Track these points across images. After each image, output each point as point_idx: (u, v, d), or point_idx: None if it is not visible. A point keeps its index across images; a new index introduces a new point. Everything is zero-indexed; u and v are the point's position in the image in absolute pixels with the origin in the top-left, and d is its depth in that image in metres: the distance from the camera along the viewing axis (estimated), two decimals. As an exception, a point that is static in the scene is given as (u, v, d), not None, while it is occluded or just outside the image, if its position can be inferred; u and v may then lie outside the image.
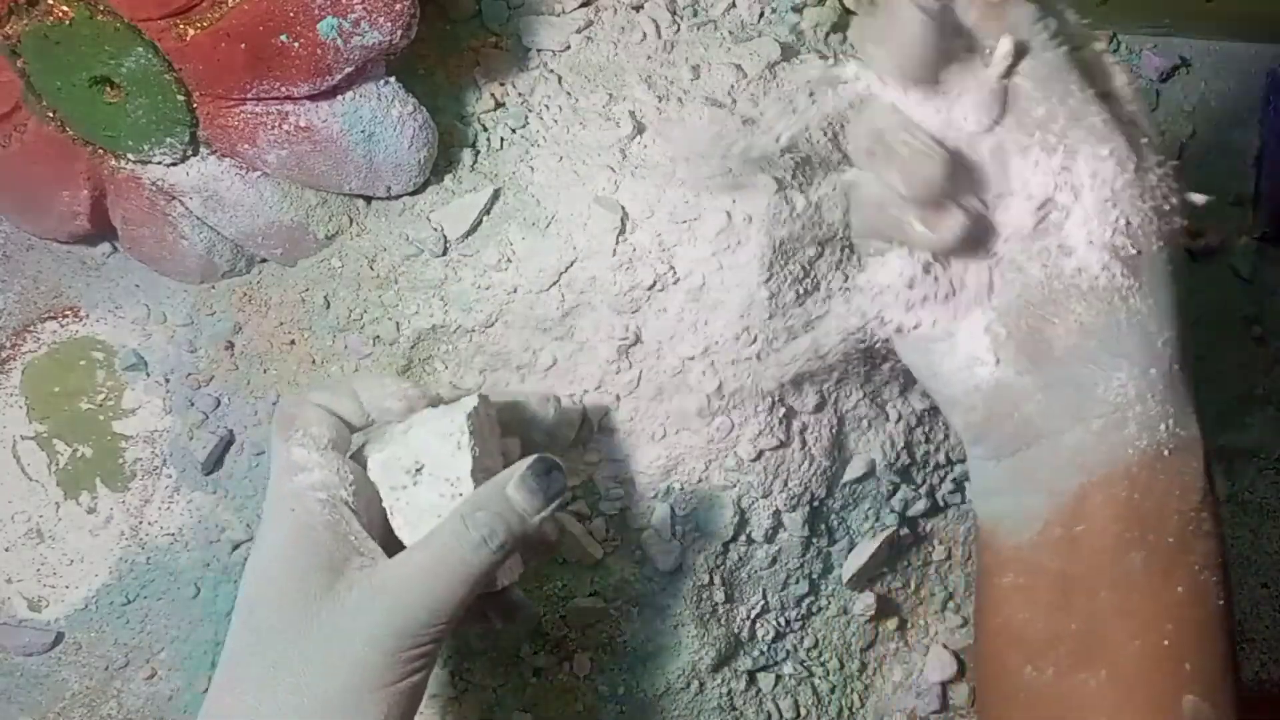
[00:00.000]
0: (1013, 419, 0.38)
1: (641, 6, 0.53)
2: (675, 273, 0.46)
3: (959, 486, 0.53)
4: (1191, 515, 0.36)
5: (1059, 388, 0.37)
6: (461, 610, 0.36)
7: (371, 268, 0.50)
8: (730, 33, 0.52)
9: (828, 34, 0.53)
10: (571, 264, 0.47)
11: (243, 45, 0.42)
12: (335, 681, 0.34)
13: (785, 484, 0.49)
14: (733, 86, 0.50)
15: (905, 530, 0.52)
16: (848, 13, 0.55)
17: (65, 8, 0.43)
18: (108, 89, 0.45)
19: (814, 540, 0.50)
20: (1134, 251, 0.36)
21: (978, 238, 0.38)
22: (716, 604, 0.51)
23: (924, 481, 0.52)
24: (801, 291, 0.46)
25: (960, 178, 0.37)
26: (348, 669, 0.34)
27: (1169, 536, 0.36)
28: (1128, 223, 0.36)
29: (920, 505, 0.52)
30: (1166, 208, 0.37)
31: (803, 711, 0.53)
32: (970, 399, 0.39)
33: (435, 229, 0.49)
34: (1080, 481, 0.36)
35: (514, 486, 0.37)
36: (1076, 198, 0.36)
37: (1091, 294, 0.36)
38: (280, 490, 0.38)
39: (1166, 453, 0.36)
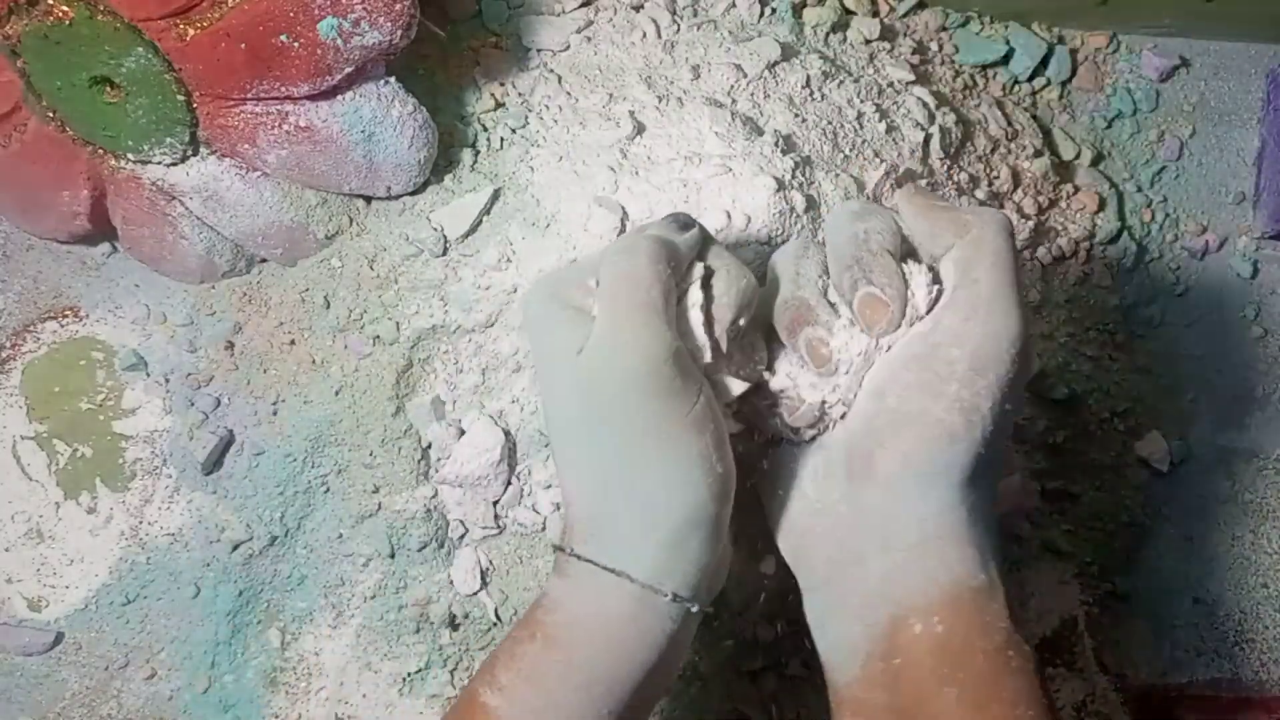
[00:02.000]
0: (826, 543, 0.40)
1: (641, 6, 0.53)
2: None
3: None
4: (996, 655, 0.37)
5: (870, 514, 0.38)
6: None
7: (371, 268, 0.50)
8: (730, 33, 0.52)
9: (828, 34, 0.53)
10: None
11: (243, 45, 0.43)
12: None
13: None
14: (733, 86, 0.50)
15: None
16: (848, 13, 0.55)
17: (65, 8, 0.43)
18: (108, 89, 0.45)
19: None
20: (975, 408, 0.37)
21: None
22: (717, 604, 0.51)
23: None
24: None
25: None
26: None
27: (978, 673, 0.36)
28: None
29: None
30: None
31: (803, 712, 0.53)
32: (789, 523, 0.41)
33: (435, 229, 0.49)
34: (889, 612, 0.38)
35: (655, 228, 0.40)
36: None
37: (924, 429, 0.37)
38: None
39: (966, 593, 0.37)
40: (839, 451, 0.40)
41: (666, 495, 0.37)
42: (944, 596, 0.37)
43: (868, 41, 0.55)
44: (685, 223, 0.40)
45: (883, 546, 0.38)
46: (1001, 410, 0.38)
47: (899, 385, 0.38)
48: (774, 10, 0.53)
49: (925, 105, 0.53)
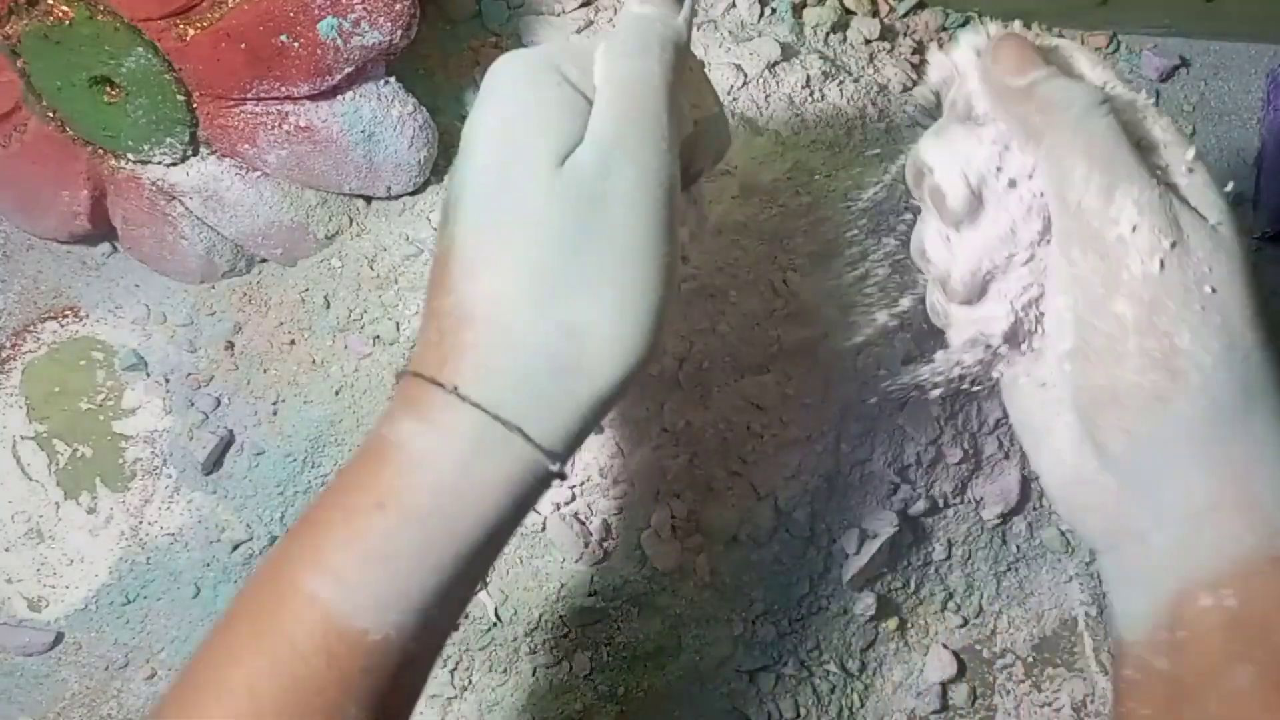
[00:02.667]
0: (1099, 516, 0.35)
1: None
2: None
3: (959, 486, 0.53)
4: None
5: (1132, 491, 0.34)
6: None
7: (371, 268, 0.50)
8: (730, 33, 0.52)
9: (828, 34, 0.53)
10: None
11: (243, 45, 0.43)
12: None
13: (786, 483, 0.49)
14: (733, 86, 0.50)
15: (905, 530, 0.52)
16: (848, 13, 0.55)
17: (65, 8, 0.43)
18: (108, 89, 0.45)
19: (814, 540, 0.50)
20: (1171, 353, 0.32)
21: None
22: (717, 604, 0.50)
23: (924, 481, 0.52)
24: None
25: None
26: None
27: (1277, 650, 0.32)
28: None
29: (920, 505, 0.52)
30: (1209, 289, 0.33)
31: (802, 712, 0.53)
32: (1059, 493, 0.36)
33: (435, 229, 0.49)
34: (1176, 586, 0.33)
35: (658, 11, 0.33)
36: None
37: (1127, 400, 0.32)
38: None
39: (1262, 564, 0.32)
40: (1076, 420, 0.35)
41: (611, 354, 0.30)
42: (1234, 569, 0.32)
43: (868, 41, 0.55)
44: None
45: (1156, 523, 0.33)
46: (1211, 333, 0.31)
47: (1079, 356, 0.33)
48: (774, 10, 0.53)
49: (925, 105, 0.53)
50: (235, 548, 0.51)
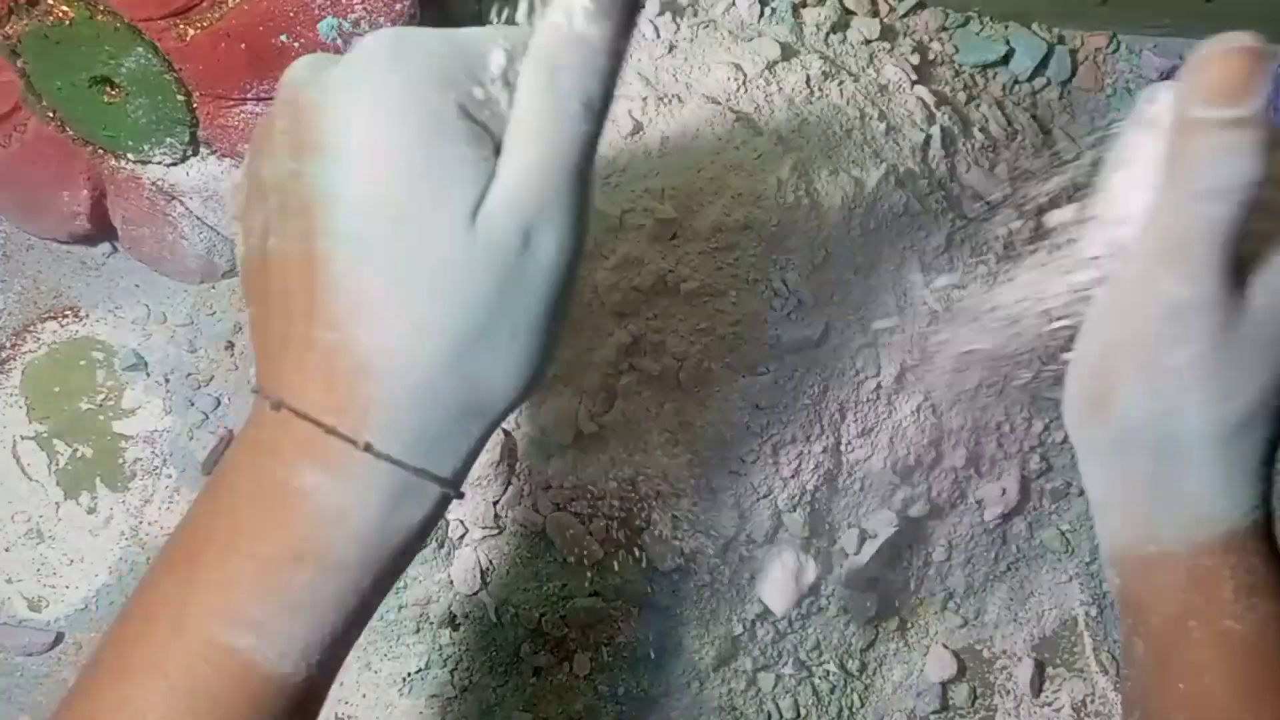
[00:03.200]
0: None
1: (642, 6, 0.52)
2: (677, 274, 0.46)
3: (959, 487, 0.53)
4: (1171, 622, 0.36)
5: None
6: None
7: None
8: (730, 32, 0.52)
9: (828, 34, 0.53)
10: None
11: (243, 45, 0.43)
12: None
13: (785, 483, 0.49)
14: (732, 86, 0.50)
15: (905, 530, 0.52)
16: (848, 13, 0.55)
17: (65, 8, 0.43)
18: (108, 89, 0.45)
19: (814, 540, 0.50)
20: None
21: None
22: (716, 604, 0.50)
23: (924, 481, 0.52)
24: None
25: None
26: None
27: (1155, 634, 0.36)
28: None
29: (920, 505, 0.52)
30: None
31: (803, 711, 0.53)
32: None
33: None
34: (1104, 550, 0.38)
35: (581, 19, 0.29)
36: None
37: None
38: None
39: (1134, 557, 0.37)
40: None
41: (509, 393, 0.30)
42: (1115, 556, 0.37)
43: (868, 41, 0.55)
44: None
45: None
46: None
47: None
48: (774, 10, 0.53)
49: (925, 105, 0.53)
50: (235, 548, 0.51)
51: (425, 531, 0.31)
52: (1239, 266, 0.34)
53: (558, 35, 0.29)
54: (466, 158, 0.28)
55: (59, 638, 0.52)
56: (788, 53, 0.51)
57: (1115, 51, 0.59)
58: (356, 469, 0.29)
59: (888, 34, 0.55)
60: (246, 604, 0.29)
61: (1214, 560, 0.36)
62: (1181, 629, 0.36)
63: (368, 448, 0.29)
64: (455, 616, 0.51)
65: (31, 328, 0.53)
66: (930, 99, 0.54)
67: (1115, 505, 0.38)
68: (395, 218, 0.28)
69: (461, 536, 0.51)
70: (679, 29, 0.52)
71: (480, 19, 0.52)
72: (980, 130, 0.55)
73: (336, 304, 0.28)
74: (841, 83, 0.52)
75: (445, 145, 0.28)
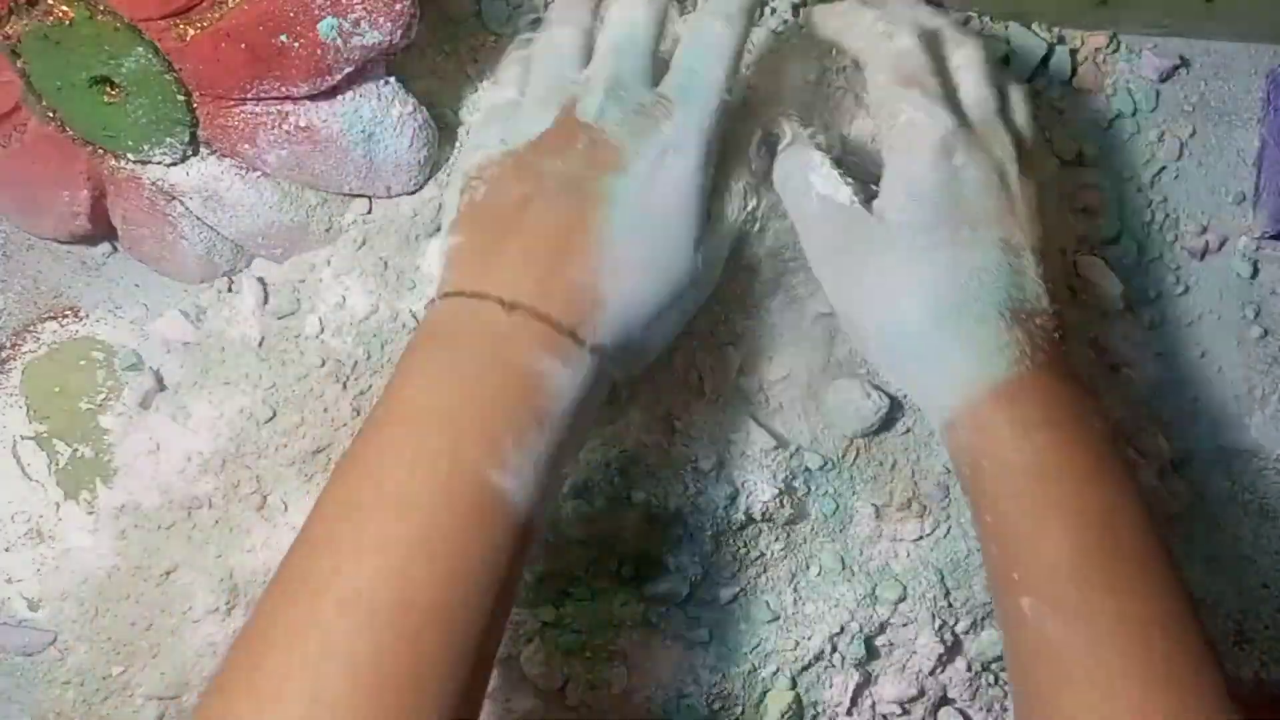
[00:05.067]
0: None
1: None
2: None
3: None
4: None
5: None
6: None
7: (371, 268, 0.50)
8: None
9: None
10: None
11: (243, 45, 0.42)
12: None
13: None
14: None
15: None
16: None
17: (65, 8, 0.43)
18: (108, 89, 0.45)
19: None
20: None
21: None
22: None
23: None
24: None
25: None
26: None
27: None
28: None
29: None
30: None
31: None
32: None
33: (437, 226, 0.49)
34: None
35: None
36: None
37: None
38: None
39: (938, 424, 0.45)
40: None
41: (679, 299, 0.43)
42: (938, 427, 0.46)
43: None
44: None
45: None
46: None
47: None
48: (774, 11, 0.53)
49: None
50: (235, 548, 0.51)
51: (602, 413, 0.46)
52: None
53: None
54: (708, 231, 0.45)
55: (58, 638, 0.52)
56: (785, 48, 0.51)
57: (1115, 51, 0.59)
58: (580, 360, 0.40)
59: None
60: (510, 455, 0.38)
61: (990, 410, 0.43)
62: (978, 470, 0.43)
63: (594, 349, 0.41)
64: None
65: (31, 328, 0.53)
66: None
67: (911, 393, 0.48)
68: (658, 226, 0.43)
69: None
70: (678, 26, 0.52)
71: (480, 19, 0.52)
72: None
73: (596, 255, 0.41)
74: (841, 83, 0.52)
75: (700, 178, 0.43)
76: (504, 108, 0.46)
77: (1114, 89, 0.59)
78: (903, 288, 0.44)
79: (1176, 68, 0.59)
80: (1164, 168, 0.59)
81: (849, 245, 0.45)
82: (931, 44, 0.46)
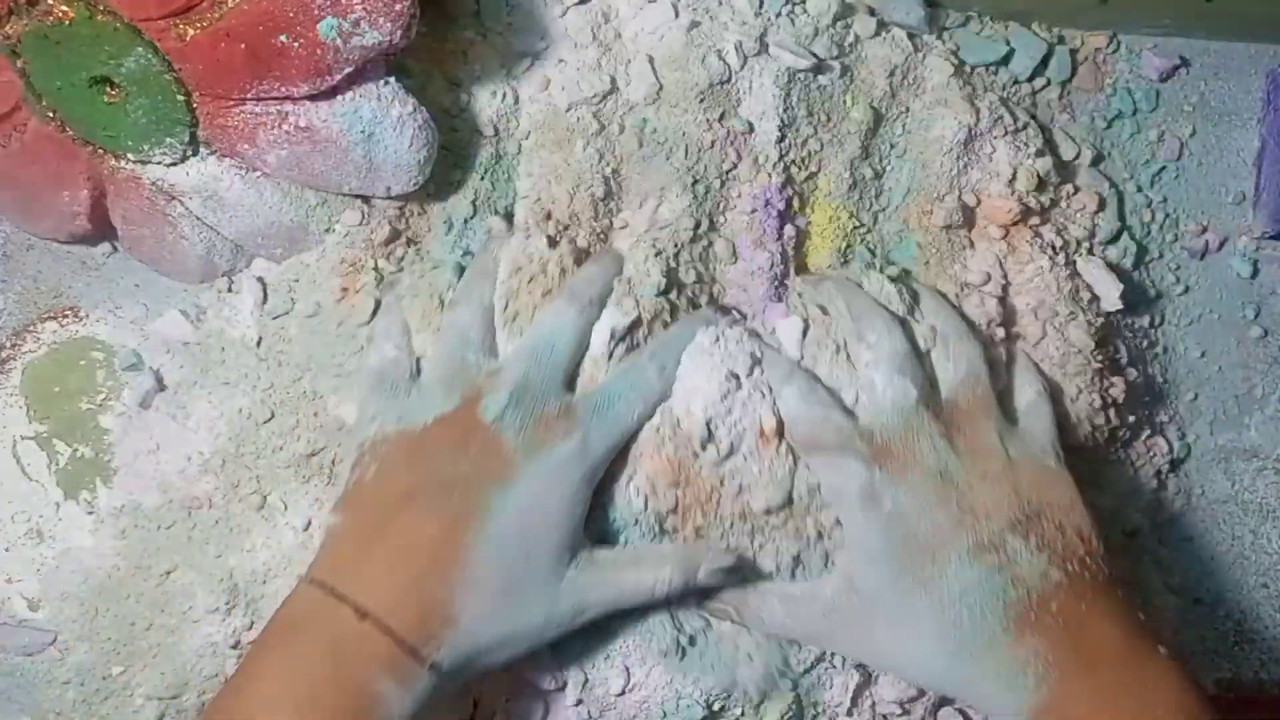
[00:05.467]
0: None
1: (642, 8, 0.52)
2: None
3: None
4: None
5: None
6: None
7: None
8: (725, 25, 0.52)
9: (829, 26, 0.53)
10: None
11: (243, 45, 0.42)
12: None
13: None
14: (726, 70, 0.50)
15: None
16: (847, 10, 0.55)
17: (65, 8, 0.43)
18: (108, 89, 0.45)
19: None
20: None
21: None
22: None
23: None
24: None
25: None
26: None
27: None
28: None
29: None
30: None
31: None
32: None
33: None
34: None
35: (704, 573, 0.44)
36: None
37: None
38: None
39: None
40: None
41: (532, 631, 0.43)
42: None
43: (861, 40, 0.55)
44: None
45: None
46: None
47: None
48: (776, 14, 0.53)
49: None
50: (235, 548, 0.51)
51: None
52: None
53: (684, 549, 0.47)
54: (584, 543, 0.44)
55: (58, 638, 0.52)
56: (783, 44, 0.51)
57: (1115, 51, 0.59)
58: (418, 680, 0.40)
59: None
60: None
61: None
62: None
63: (433, 667, 0.40)
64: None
65: (31, 328, 0.53)
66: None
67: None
68: (527, 549, 0.42)
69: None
70: (678, 16, 0.52)
71: (480, 18, 0.52)
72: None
73: (455, 575, 0.41)
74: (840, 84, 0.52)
75: (569, 542, 0.43)
76: (392, 375, 0.46)
77: (1114, 89, 0.59)
78: (907, 650, 0.43)
79: (1176, 68, 0.59)
80: (1164, 168, 0.59)
81: (843, 630, 0.45)
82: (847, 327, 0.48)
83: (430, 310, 0.48)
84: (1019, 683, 0.41)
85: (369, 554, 0.42)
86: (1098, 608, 0.42)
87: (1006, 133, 0.54)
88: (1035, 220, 0.54)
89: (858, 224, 0.53)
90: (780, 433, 0.46)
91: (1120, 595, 0.44)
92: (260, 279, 0.51)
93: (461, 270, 0.49)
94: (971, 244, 0.54)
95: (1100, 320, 0.54)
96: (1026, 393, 0.49)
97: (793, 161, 0.52)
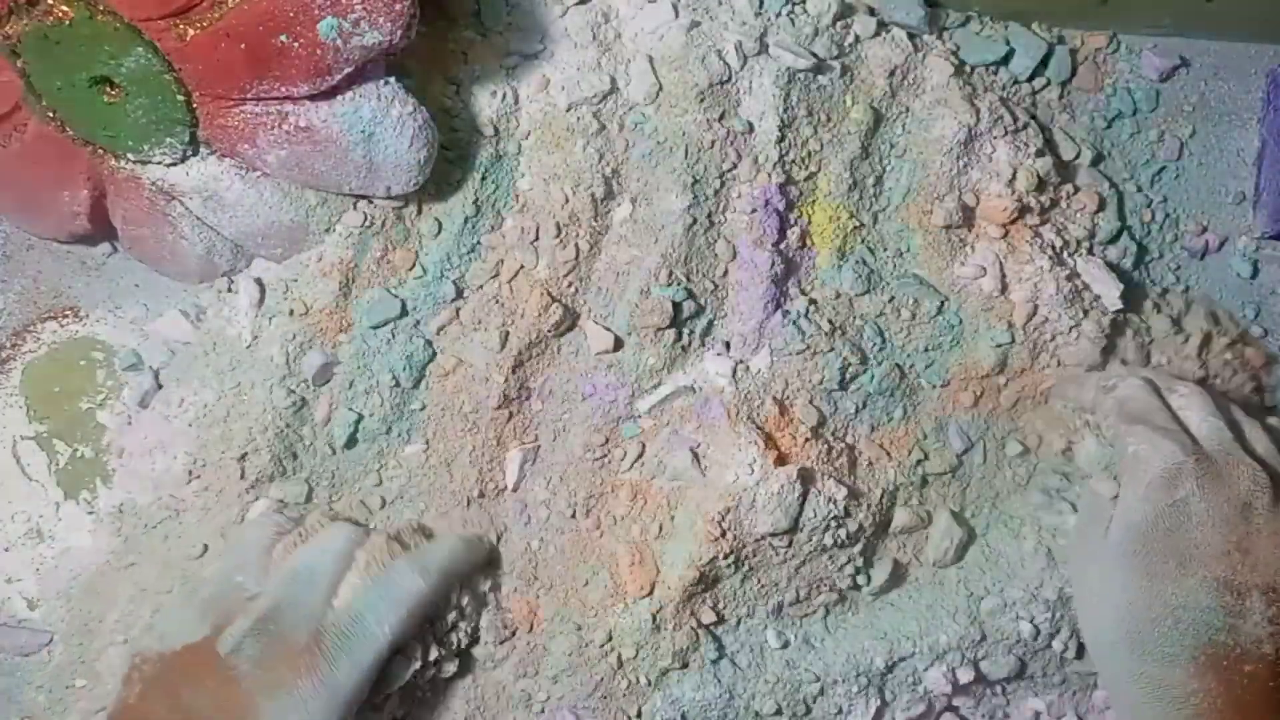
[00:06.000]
0: None
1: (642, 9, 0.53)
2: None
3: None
4: None
5: None
6: None
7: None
8: (725, 25, 0.52)
9: (829, 26, 0.53)
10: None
11: (243, 45, 0.42)
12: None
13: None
14: (726, 70, 0.50)
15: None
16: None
17: (65, 8, 0.43)
18: (108, 89, 0.45)
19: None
20: None
21: None
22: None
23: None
24: None
25: None
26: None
27: None
28: None
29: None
30: None
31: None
32: None
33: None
34: None
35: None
36: None
37: None
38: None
39: None
40: None
41: None
42: None
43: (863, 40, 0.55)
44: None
45: None
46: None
47: None
48: (777, 15, 0.53)
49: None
50: (235, 548, 0.51)
51: None
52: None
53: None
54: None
55: (54, 639, 0.51)
56: (781, 42, 0.51)
57: (1115, 51, 0.59)
58: None
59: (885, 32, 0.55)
60: None
61: None
62: None
63: None
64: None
65: (31, 328, 0.53)
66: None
67: (1115, 710, 0.49)
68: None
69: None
70: (678, 16, 0.52)
71: (480, 18, 0.52)
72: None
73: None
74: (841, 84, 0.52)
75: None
76: (196, 583, 0.45)
77: (1114, 89, 0.59)
78: (1101, 604, 0.44)
79: (1176, 68, 0.59)
80: (1164, 168, 0.59)
81: (1081, 554, 0.47)
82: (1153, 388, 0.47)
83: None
84: (1174, 705, 0.41)
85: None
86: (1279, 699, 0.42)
87: (1006, 133, 0.54)
88: (1035, 220, 0.54)
89: (858, 224, 0.53)
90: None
91: None
92: (259, 280, 0.51)
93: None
94: (972, 244, 0.54)
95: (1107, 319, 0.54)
96: None
97: (793, 161, 0.52)
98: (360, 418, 0.50)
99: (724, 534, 0.48)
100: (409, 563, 0.44)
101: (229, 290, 0.52)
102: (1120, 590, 0.43)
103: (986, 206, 0.53)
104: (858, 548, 0.51)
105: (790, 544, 0.49)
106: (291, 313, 0.50)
